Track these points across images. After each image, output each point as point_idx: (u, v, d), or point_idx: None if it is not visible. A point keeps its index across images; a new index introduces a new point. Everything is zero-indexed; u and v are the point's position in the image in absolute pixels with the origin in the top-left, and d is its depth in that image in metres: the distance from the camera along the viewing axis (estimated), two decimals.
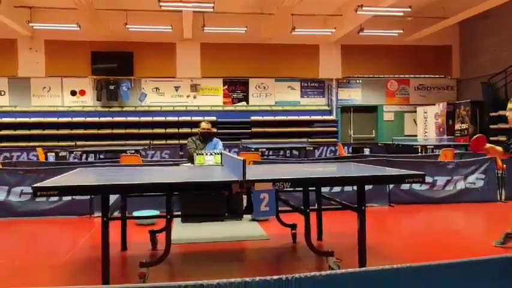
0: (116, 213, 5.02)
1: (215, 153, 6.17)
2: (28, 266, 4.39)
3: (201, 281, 1.44)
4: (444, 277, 1.55)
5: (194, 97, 15.94)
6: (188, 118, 15.32)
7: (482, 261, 1.60)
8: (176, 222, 5.80)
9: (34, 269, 4.30)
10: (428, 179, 7.13)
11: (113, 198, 5.19)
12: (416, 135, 16.46)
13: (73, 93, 15.41)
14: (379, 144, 14.67)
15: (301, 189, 4.38)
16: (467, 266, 1.59)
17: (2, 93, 15.13)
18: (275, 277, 1.45)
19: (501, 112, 13.87)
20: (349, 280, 1.52)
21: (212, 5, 11.17)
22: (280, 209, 4.50)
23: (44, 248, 5.36)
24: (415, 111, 16.77)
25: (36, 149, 12.14)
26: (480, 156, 8.17)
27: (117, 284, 1.40)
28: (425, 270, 1.53)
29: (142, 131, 15.25)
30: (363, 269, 1.53)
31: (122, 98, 15.43)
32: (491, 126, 14.31)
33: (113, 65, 15.14)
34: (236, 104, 16.15)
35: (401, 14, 12.77)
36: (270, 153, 12.81)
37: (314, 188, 4.82)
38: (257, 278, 1.45)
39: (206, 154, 6.22)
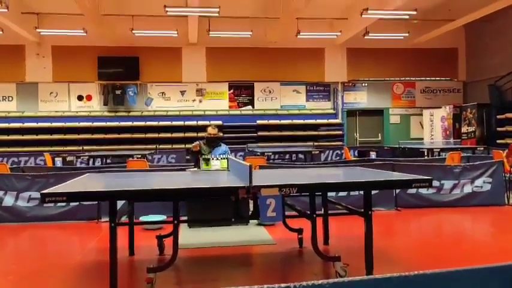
0: (123, 219, 5.04)
1: (221, 158, 6.19)
2: (37, 270, 4.42)
3: None
4: (457, 285, 1.54)
5: (200, 101, 15.99)
6: (194, 122, 15.38)
7: (498, 267, 1.59)
8: (183, 227, 5.81)
9: (43, 273, 4.33)
10: (435, 183, 7.10)
11: (120, 202, 5.22)
12: (422, 139, 16.40)
13: (80, 98, 15.51)
14: (385, 148, 14.61)
15: (307, 193, 4.38)
16: (482, 273, 1.57)
17: (10, 98, 15.26)
18: (283, 285, 1.45)
19: (508, 115, 13.81)
20: None
21: (217, 9, 11.22)
22: (286, 213, 4.50)
23: (52, 252, 5.39)
24: (421, 114, 16.71)
25: (44, 153, 12.21)
26: (487, 159, 8.13)
27: None
28: (436, 278, 1.53)
29: (148, 135, 15.31)
30: (372, 276, 1.53)
31: (128, 103, 15.51)
32: (498, 129, 14.24)
33: (119, 70, 15.23)
34: (242, 108, 16.18)
35: (407, 17, 12.75)
36: (276, 157, 12.80)
37: (320, 193, 4.82)
38: (265, 286, 1.46)
39: (212, 159, 6.24)
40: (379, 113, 16.93)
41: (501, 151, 9.03)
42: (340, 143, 15.93)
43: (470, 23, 14.43)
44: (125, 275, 4.23)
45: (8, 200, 6.63)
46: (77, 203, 6.55)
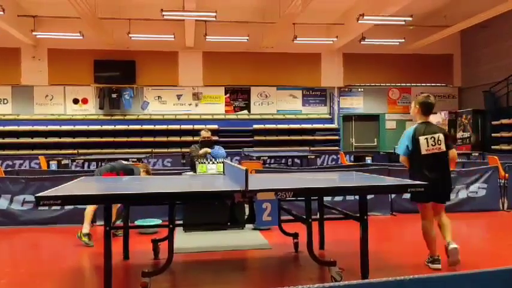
0: (119, 222, 5.02)
1: (217, 162, 6.20)
2: (32, 274, 4.39)
3: None
4: None
5: (196, 105, 15.99)
6: (190, 126, 15.36)
7: (490, 272, 1.60)
8: (178, 231, 5.79)
9: (37, 277, 4.30)
10: None
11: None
12: None
13: (75, 101, 15.47)
14: (381, 153, 14.65)
15: (303, 198, 4.38)
16: (475, 278, 1.58)
17: (5, 101, 15.20)
18: None
19: (503, 121, 13.89)
20: None
21: (214, 14, 11.23)
22: (282, 218, 4.50)
23: (46, 256, 5.36)
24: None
25: (39, 157, 12.15)
26: (482, 165, 8.16)
27: None
28: (431, 282, 1.53)
29: (144, 139, 15.28)
30: (366, 281, 1.54)
31: (124, 106, 15.48)
32: (493, 135, 14.32)
33: (116, 74, 15.20)
34: (238, 113, 16.18)
35: (403, 23, 12.81)
36: (272, 161, 12.80)
37: (316, 197, 4.82)
38: None
39: (208, 163, 6.25)
40: (375, 118, 16.98)
41: (496, 157, 9.07)
42: (336, 148, 15.97)
43: (466, 29, 14.54)
44: (119, 280, 4.21)
45: (2, 203, 6.59)
46: (72, 207, 6.52)
